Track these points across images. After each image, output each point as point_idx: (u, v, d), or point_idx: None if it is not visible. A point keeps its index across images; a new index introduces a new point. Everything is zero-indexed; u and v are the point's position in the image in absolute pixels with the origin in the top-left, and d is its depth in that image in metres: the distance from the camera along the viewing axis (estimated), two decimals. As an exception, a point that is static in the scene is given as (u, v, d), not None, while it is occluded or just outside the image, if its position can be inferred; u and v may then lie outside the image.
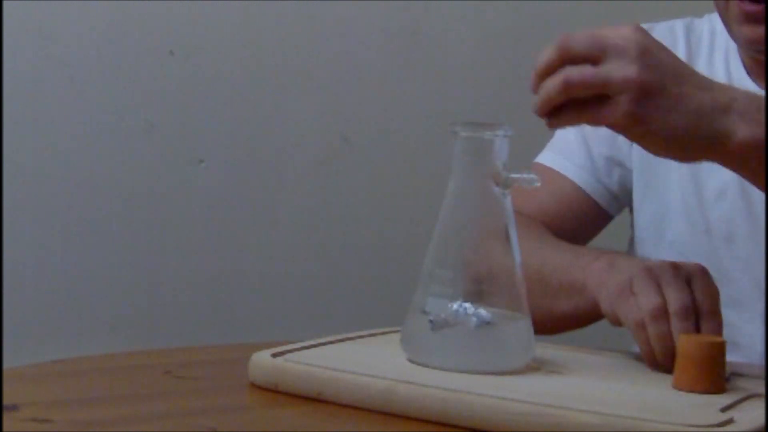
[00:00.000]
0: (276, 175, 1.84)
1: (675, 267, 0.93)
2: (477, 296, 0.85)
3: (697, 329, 0.89)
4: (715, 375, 0.82)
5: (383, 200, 1.88)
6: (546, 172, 1.21)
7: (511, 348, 0.86)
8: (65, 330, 1.74)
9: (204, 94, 1.80)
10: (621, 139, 1.18)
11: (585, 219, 1.23)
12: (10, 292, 1.71)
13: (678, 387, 0.82)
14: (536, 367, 0.87)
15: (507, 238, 0.87)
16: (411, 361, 0.86)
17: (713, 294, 0.92)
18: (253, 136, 1.82)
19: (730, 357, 0.86)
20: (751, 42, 1.10)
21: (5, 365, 0.90)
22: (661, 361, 0.90)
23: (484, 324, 0.84)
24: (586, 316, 1.03)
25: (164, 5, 1.76)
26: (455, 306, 0.85)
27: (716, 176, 1.14)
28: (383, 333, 0.97)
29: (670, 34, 1.21)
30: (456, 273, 0.86)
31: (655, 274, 0.92)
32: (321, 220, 1.86)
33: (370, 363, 0.84)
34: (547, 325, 1.03)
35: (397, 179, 1.85)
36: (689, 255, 1.14)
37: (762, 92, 1.07)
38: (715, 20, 1.19)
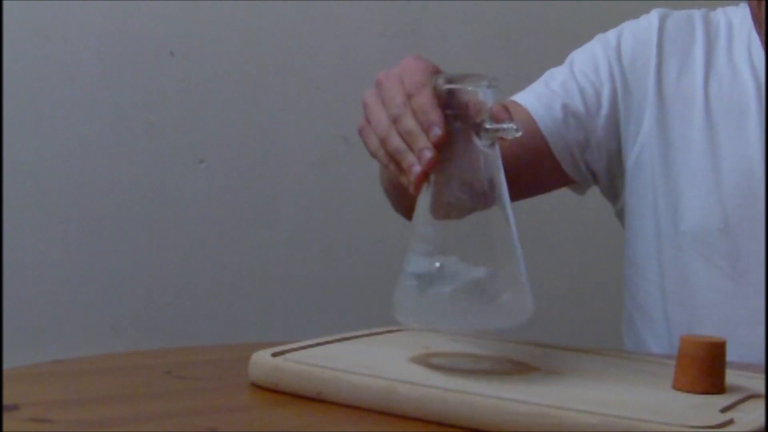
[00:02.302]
0: (276, 175, 1.84)
1: None
2: (464, 251, 0.82)
3: None
4: (715, 375, 0.82)
5: (383, 200, 1.87)
6: (512, 105, 1.18)
7: (502, 304, 0.82)
8: (65, 330, 1.75)
9: (204, 94, 1.80)
10: (602, 114, 1.18)
11: (537, 163, 1.18)
12: (10, 292, 1.71)
13: (678, 387, 0.82)
14: (536, 367, 0.86)
15: (493, 189, 0.83)
16: (401, 321, 0.84)
17: None
18: (253, 136, 1.83)
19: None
20: None
21: (5, 365, 0.90)
22: None
23: (471, 280, 0.81)
24: None
25: (164, 5, 1.76)
26: (442, 263, 0.82)
27: (737, 168, 1.13)
28: (383, 333, 0.97)
29: (688, 21, 1.21)
30: (441, 229, 0.84)
31: None
32: (321, 220, 1.86)
33: (370, 363, 0.84)
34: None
35: (397, 179, 1.84)
36: (709, 242, 1.13)
37: None
38: (731, 13, 1.20)
